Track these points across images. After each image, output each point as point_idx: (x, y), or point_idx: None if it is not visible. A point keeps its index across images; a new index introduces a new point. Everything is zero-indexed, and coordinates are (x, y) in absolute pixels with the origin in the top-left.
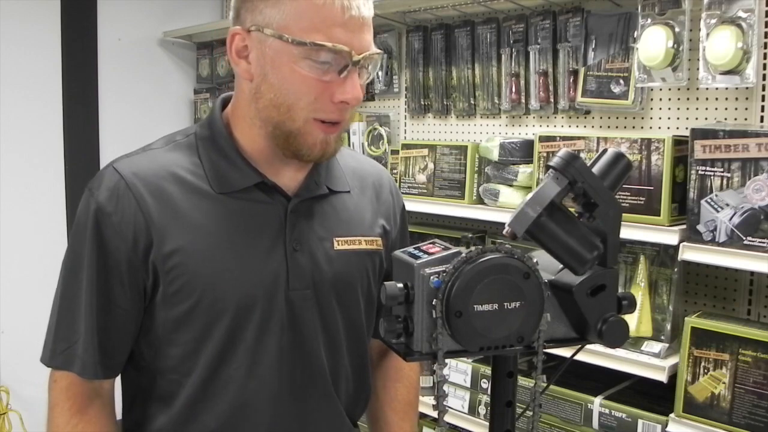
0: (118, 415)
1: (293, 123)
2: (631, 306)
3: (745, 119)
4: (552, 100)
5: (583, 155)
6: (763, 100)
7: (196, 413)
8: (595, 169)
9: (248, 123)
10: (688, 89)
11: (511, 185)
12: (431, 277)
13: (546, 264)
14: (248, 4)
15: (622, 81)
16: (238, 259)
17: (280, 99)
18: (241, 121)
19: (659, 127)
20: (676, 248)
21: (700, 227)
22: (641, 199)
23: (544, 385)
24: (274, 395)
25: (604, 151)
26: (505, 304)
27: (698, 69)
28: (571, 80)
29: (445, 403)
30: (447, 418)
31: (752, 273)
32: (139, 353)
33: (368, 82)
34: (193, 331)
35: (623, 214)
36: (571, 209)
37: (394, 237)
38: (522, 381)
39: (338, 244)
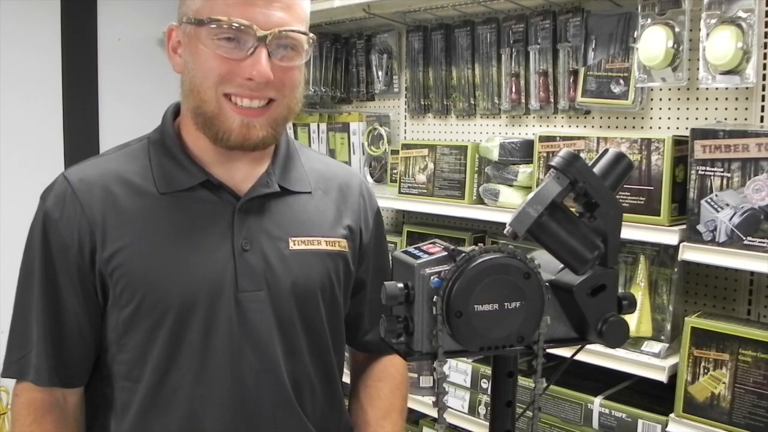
0: None
1: (207, 105)
2: (632, 306)
3: (745, 119)
4: (552, 100)
5: (583, 155)
6: (763, 100)
7: (148, 423)
8: (596, 169)
9: (188, 122)
10: (688, 89)
11: (511, 185)
12: (431, 277)
13: (546, 264)
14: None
15: (622, 81)
16: (179, 259)
17: (194, 82)
18: (185, 120)
19: (659, 127)
20: (676, 248)
21: (700, 227)
22: (641, 199)
23: (544, 386)
24: (225, 403)
25: (606, 151)
26: (506, 304)
27: (698, 69)
28: (571, 80)
29: (444, 400)
30: (447, 418)
31: (752, 273)
32: (101, 361)
33: (302, 62)
34: (139, 333)
35: (623, 214)
36: (572, 209)
37: (367, 240)
38: (522, 381)
39: (294, 244)
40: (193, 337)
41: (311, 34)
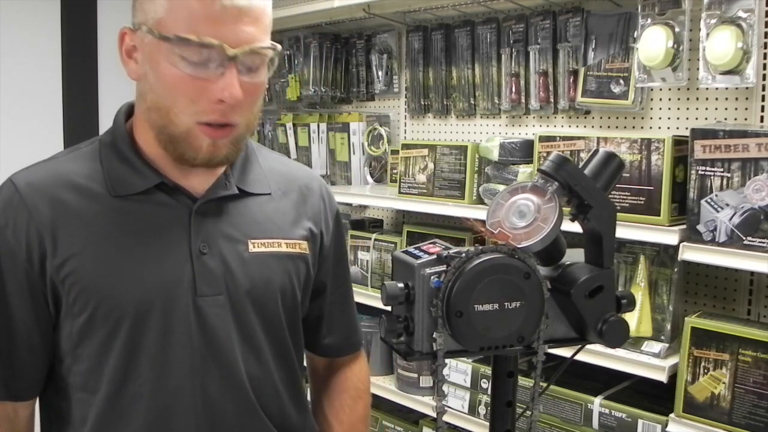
0: None
1: (176, 127)
2: (630, 305)
3: (745, 119)
4: (552, 100)
5: (583, 155)
6: (763, 100)
7: None
8: (587, 171)
9: (143, 126)
10: (688, 89)
11: None
12: (432, 277)
13: None
14: (135, 2)
15: (622, 81)
16: (133, 264)
17: (160, 101)
18: (139, 123)
19: (659, 127)
20: (676, 248)
21: (700, 227)
22: (641, 199)
23: (543, 385)
24: (188, 412)
25: (596, 151)
26: (506, 304)
27: (698, 69)
28: (571, 80)
29: (444, 402)
30: (447, 418)
31: (752, 273)
32: (56, 372)
33: (271, 76)
34: (93, 343)
35: (623, 214)
36: (566, 211)
37: (327, 243)
38: (522, 381)
39: (254, 246)
40: (150, 345)
41: (278, 47)
